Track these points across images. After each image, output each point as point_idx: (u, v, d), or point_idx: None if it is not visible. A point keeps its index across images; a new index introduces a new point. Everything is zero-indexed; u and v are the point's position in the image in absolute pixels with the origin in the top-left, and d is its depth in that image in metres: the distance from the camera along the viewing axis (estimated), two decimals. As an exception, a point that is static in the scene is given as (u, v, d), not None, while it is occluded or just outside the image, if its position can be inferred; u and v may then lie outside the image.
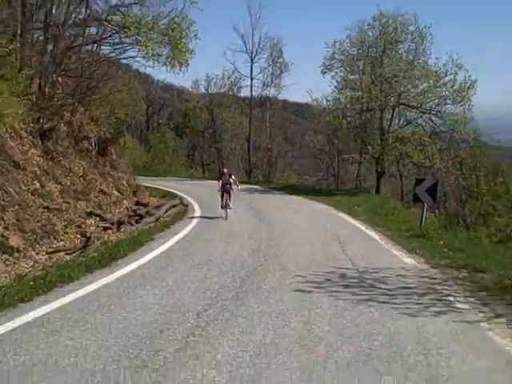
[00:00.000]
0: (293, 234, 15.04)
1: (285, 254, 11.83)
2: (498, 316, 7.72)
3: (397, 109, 31.17)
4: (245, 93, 53.36)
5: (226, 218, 17.44)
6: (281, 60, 47.62)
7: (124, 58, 23.72)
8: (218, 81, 51.35)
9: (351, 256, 11.78)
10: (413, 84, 29.62)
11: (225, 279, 9.40)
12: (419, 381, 5.49)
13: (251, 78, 47.48)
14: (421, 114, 30.56)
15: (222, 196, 17.91)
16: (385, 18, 30.29)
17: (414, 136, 29.53)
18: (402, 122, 32.55)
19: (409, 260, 11.75)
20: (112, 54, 23.07)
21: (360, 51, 31.24)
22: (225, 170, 19.21)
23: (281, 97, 53.30)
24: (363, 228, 16.83)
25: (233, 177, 18.37)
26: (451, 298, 8.56)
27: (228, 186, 17.94)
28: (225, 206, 17.81)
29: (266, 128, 50.92)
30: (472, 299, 8.55)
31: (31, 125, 15.35)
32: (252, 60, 46.85)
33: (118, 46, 22.41)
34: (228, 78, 50.68)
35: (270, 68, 47.69)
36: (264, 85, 48.27)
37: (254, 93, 48.34)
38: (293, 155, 61.33)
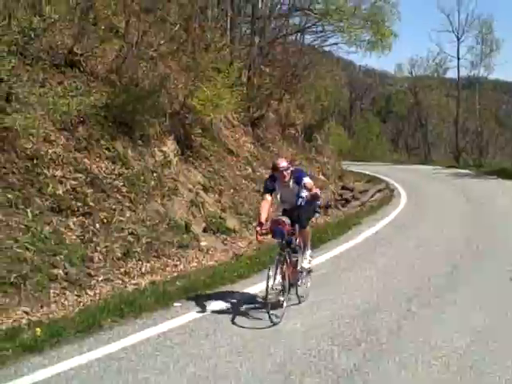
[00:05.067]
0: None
1: (504, 246, 10.81)
2: None
3: None
4: (451, 74, 50.78)
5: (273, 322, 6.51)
6: (491, 38, 44.15)
7: (327, 46, 24.05)
8: (423, 63, 49.50)
9: None
10: None
11: (436, 265, 9.03)
12: None
13: (458, 59, 44.89)
14: None
15: (280, 256, 6.52)
16: None
17: None
18: None
19: None
20: (315, 42, 23.49)
21: None
22: (281, 164, 6.75)
23: (491, 76, 49.57)
24: None
25: (305, 180, 6.69)
26: None
27: (289, 212, 6.88)
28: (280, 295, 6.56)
29: (475, 110, 47.76)
30: None
31: (242, 114, 16.16)
32: (458, 39, 44.19)
33: (320, 34, 22.73)
34: (433, 60, 48.58)
35: (479, 47, 44.50)
36: (472, 65, 45.27)
37: (461, 74, 45.76)
38: (505, 138, 56.68)
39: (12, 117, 7.98)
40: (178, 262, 8.93)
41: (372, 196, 18.71)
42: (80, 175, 8.75)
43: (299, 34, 22.74)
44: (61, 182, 8.41)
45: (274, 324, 6.12)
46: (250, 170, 14.09)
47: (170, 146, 11.43)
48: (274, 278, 6.35)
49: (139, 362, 5.16)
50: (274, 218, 6.74)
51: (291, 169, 6.82)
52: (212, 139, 13.41)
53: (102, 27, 11.56)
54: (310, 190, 6.73)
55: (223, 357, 5.30)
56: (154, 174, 10.35)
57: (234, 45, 17.13)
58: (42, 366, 5.01)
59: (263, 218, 6.57)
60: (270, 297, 6.28)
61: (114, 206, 8.81)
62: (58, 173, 8.48)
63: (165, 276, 8.33)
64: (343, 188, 19.43)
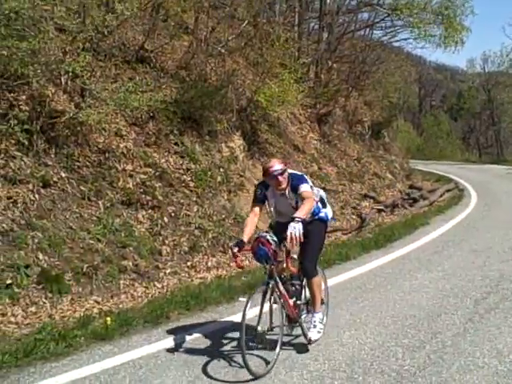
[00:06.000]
0: None
1: None
2: None
3: None
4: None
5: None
6: None
7: (396, 41, 23.58)
8: (496, 58, 47.77)
9: None
10: None
11: (505, 268, 8.66)
12: None
13: (536, 53, 43.11)
14: None
15: (266, 286, 5.00)
16: None
17: None
18: None
19: None
20: (384, 38, 23.05)
21: None
22: (274, 167, 5.07)
23: None
24: None
25: (302, 188, 5.11)
26: None
27: (284, 225, 4.98)
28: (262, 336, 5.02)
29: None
30: None
31: (309, 110, 16.09)
32: (537, 33, 42.43)
33: (389, 30, 22.31)
34: (507, 55, 46.79)
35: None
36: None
37: (539, 68, 43.89)
38: None
39: (86, 112, 8.22)
40: (244, 258, 8.95)
41: (441, 196, 18.18)
42: (149, 169, 8.94)
43: (368, 30, 22.40)
44: (131, 176, 8.62)
45: (256, 377, 4.70)
46: (316, 166, 14.00)
47: (237, 142, 11.50)
48: (260, 317, 4.87)
49: (205, 353, 5.20)
50: (258, 235, 5.09)
51: (289, 172, 5.20)
52: (278, 135, 13.41)
53: (172, 24, 11.78)
54: (303, 199, 5.04)
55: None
56: (221, 170, 10.44)
57: (301, 40, 17.06)
58: (113, 353, 5.16)
59: (246, 236, 5.04)
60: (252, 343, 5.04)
61: (181, 201, 8.95)
62: (129, 167, 8.69)
63: (230, 271, 8.38)
64: (411, 187, 18.98)
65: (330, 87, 17.89)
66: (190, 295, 6.74)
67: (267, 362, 4.91)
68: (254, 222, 5.26)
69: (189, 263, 8.13)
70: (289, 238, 4.75)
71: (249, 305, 4.79)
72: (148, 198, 8.45)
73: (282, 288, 5.12)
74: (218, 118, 11.09)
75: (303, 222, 4.87)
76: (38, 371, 4.81)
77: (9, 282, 6.11)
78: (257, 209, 5.33)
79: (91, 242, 7.15)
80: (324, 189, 13.14)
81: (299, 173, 5.46)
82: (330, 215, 5.64)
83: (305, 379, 4.74)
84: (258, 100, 12.40)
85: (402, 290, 7.47)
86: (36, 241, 6.68)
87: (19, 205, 6.95)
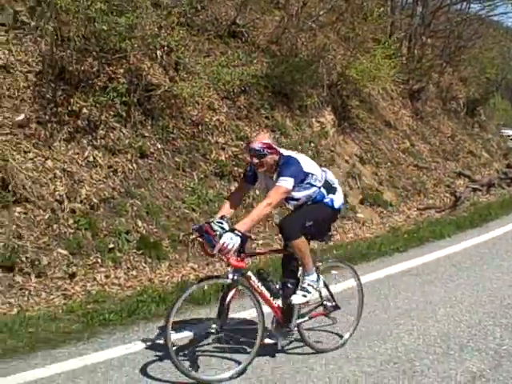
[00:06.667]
0: None
1: None
2: None
3: None
4: None
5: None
6: None
7: (494, 15, 22.54)
8: None
9: None
10: None
11: None
12: None
13: None
14: None
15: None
16: None
17: None
18: None
19: None
20: (481, 12, 21.99)
21: None
22: (253, 145, 4.30)
23: None
24: None
25: (280, 180, 4.25)
26: None
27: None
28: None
29: None
30: None
31: (401, 86, 15.67)
32: None
33: (488, 3, 21.25)
34: None
35: None
36: None
37: None
38: None
39: (180, 85, 8.41)
40: (335, 232, 8.91)
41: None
42: (241, 142, 9.01)
43: (464, 3, 21.41)
44: (223, 149, 8.75)
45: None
46: (408, 143, 13.65)
47: (327, 117, 11.40)
48: (220, 313, 4.18)
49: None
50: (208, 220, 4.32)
51: (283, 154, 4.38)
52: (369, 111, 13.17)
53: (264, -1, 11.76)
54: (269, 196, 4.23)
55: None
56: (312, 144, 10.40)
57: (394, 15, 16.58)
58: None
59: (221, 211, 4.46)
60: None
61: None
62: (221, 139, 8.82)
63: (321, 245, 8.36)
64: (508, 166, 18.15)
65: (424, 63, 17.30)
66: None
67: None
68: (233, 204, 4.56)
69: (280, 235, 8.17)
70: (219, 245, 3.97)
71: (176, 305, 4.05)
72: (240, 170, 8.54)
73: (256, 284, 4.33)
74: (308, 92, 11.03)
75: (243, 238, 4.03)
76: (141, 330, 5.04)
77: (111, 246, 6.43)
78: (242, 188, 4.79)
79: (186, 211, 7.35)
80: (416, 166, 12.96)
81: (297, 157, 4.44)
82: (338, 203, 4.61)
83: (399, 352, 4.67)
84: (349, 75, 12.20)
85: (500, 270, 7.23)
86: (135, 208, 6.95)
87: (119, 174, 7.25)
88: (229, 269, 4.21)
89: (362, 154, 11.45)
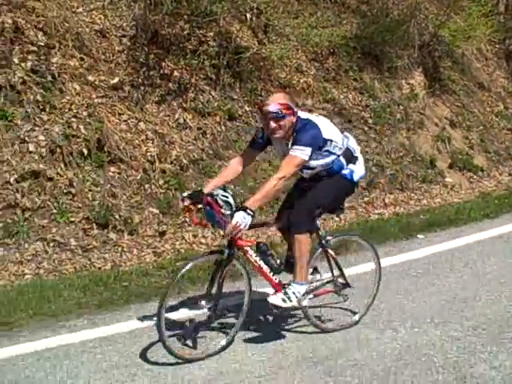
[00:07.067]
0: None
1: None
2: None
3: None
4: None
5: None
6: None
7: None
8: None
9: None
10: None
11: None
12: None
13: None
14: None
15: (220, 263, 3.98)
16: None
17: None
18: None
19: None
20: None
21: None
22: (269, 107, 3.91)
23: None
24: None
25: (294, 148, 3.90)
26: None
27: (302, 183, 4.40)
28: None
29: None
30: None
31: (497, 46, 14.89)
32: None
33: None
34: None
35: None
36: None
37: None
38: None
39: (269, 47, 8.44)
40: (422, 197, 8.80)
41: None
42: (328, 105, 8.98)
43: None
44: (310, 111, 8.71)
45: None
46: (502, 106, 13.00)
47: (418, 79, 11.05)
48: (208, 291, 3.99)
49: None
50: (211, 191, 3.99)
51: (301, 117, 4.01)
52: (461, 72, 12.63)
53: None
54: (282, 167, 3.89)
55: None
56: (400, 107, 10.15)
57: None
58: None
59: (209, 186, 4.11)
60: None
61: (360, 137, 8.87)
62: (308, 102, 8.80)
63: (407, 209, 8.29)
64: None
65: (523, 21, 16.33)
66: (369, 228, 6.80)
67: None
68: (234, 170, 4.23)
69: (366, 199, 8.17)
70: (231, 226, 3.66)
71: (167, 297, 3.79)
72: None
73: (254, 258, 4.02)
74: (398, 53, 10.71)
75: (253, 215, 3.69)
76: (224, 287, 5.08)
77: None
78: (247, 153, 4.30)
79: (272, 173, 7.40)
80: (510, 130, 12.37)
81: (316, 120, 4.03)
82: (358, 175, 4.22)
83: (489, 318, 4.62)
84: (442, 35, 11.74)
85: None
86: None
87: (208, 135, 7.44)
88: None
89: (452, 117, 11.06)
